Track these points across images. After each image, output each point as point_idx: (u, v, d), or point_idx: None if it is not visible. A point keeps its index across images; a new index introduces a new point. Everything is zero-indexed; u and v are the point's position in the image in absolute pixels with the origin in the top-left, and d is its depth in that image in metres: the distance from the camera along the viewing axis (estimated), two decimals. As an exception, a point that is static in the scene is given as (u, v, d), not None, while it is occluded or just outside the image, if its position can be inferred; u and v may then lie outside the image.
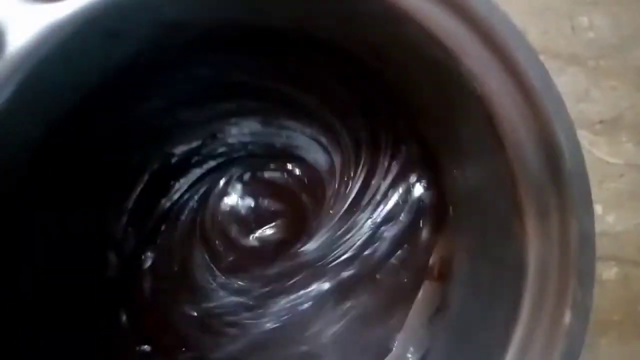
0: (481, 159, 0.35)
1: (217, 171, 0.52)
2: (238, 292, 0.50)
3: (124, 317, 0.49)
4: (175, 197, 0.51)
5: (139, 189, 0.50)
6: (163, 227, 0.51)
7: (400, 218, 0.48)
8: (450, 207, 0.43)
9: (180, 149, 0.51)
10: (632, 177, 0.57)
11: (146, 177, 0.50)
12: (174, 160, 0.51)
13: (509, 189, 0.32)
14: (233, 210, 0.52)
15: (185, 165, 0.51)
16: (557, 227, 0.31)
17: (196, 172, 0.52)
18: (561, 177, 0.30)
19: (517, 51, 0.30)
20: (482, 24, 0.30)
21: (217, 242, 0.51)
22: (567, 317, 0.31)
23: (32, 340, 0.40)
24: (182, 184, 0.52)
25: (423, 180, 0.47)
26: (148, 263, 0.50)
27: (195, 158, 0.51)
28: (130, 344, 0.48)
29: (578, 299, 0.31)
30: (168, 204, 0.51)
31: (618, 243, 0.56)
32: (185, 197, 0.52)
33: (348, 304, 0.49)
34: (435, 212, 0.46)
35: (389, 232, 0.49)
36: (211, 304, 0.50)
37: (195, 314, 0.50)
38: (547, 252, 0.31)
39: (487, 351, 0.35)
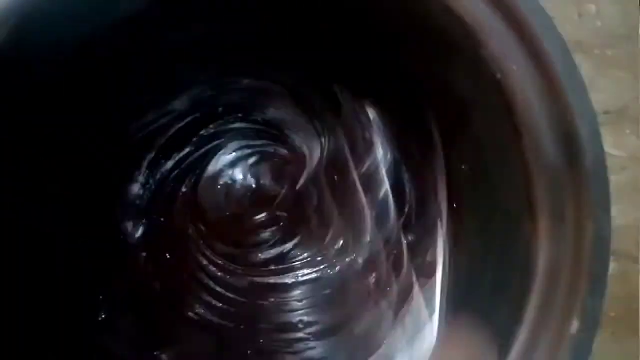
0: (494, 150, 0.33)
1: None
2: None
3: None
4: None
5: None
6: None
7: (398, 210, 0.46)
8: (454, 202, 0.41)
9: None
10: (634, 170, 0.56)
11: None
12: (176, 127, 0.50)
13: (522, 185, 0.29)
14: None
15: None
16: (572, 229, 0.29)
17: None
18: (580, 174, 0.28)
19: (543, 36, 0.27)
20: (508, 4, 0.28)
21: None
22: (575, 325, 0.29)
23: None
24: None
25: (425, 172, 0.44)
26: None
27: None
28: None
29: (588, 307, 0.29)
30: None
31: (618, 237, 0.55)
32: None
33: (341, 295, 0.48)
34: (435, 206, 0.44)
35: (385, 225, 0.47)
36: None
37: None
38: (559, 254, 0.29)
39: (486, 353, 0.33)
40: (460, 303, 0.37)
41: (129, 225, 0.49)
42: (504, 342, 0.30)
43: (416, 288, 0.43)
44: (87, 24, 0.34)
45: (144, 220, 0.49)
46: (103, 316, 0.45)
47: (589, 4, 0.57)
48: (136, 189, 0.49)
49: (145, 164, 0.50)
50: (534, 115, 0.28)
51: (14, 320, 0.37)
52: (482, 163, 0.35)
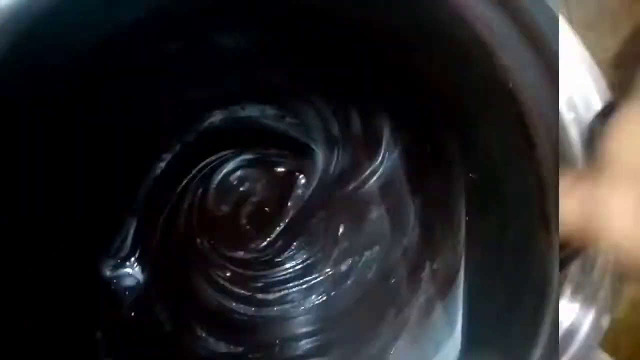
0: (506, 162, 0.31)
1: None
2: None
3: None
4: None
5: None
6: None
7: (404, 222, 0.45)
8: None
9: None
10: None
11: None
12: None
13: (536, 198, 0.28)
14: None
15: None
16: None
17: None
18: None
19: (558, 46, 0.26)
20: (523, 14, 0.26)
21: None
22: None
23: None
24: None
25: (433, 183, 0.43)
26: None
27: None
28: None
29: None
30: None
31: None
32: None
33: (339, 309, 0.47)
34: (443, 219, 0.42)
35: (390, 236, 0.46)
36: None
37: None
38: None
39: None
40: (471, 321, 0.36)
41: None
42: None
43: (421, 301, 0.41)
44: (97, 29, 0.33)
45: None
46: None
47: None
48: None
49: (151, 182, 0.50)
50: (548, 127, 0.27)
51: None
52: (493, 175, 0.33)
